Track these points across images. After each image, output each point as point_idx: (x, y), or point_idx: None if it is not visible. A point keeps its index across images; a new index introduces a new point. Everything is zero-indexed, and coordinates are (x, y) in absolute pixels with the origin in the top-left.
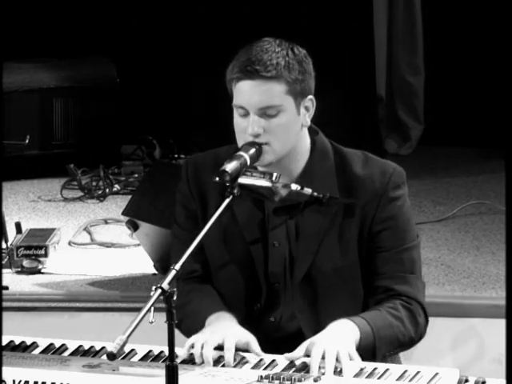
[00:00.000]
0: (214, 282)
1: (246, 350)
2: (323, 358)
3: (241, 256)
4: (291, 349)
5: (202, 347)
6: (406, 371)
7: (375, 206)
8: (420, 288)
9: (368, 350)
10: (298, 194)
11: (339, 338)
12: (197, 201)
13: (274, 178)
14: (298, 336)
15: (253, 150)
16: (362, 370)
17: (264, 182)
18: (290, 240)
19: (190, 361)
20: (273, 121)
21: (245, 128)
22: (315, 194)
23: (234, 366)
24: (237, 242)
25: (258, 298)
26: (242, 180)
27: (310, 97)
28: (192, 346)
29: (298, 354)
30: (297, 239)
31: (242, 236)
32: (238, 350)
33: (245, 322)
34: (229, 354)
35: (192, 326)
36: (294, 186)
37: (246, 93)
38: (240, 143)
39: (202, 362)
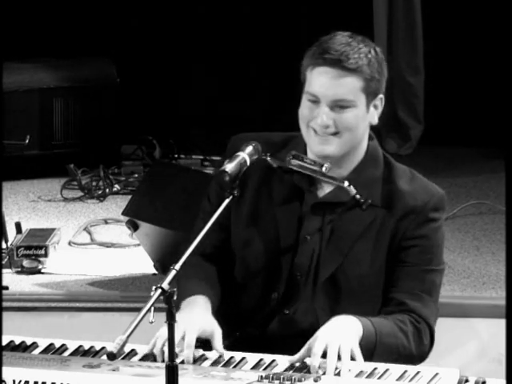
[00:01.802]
0: (236, 261)
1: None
2: (325, 354)
3: (269, 241)
4: (300, 344)
5: (164, 344)
6: (405, 371)
7: (410, 221)
8: (433, 311)
9: (367, 352)
10: (340, 194)
11: (342, 332)
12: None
13: (324, 169)
14: (308, 332)
15: (250, 148)
16: (361, 370)
17: (314, 170)
18: (323, 238)
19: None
20: (343, 114)
21: (311, 116)
22: (358, 196)
23: (234, 366)
24: (268, 227)
25: (277, 287)
26: (293, 162)
27: (381, 96)
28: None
29: (300, 356)
30: (329, 238)
31: (275, 222)
32: (202, 341)
33: (259, 311)
34: (188, 351)
35: (176, 302)
36: (342, 182)
37: (322, 82)
38: (303, 128)
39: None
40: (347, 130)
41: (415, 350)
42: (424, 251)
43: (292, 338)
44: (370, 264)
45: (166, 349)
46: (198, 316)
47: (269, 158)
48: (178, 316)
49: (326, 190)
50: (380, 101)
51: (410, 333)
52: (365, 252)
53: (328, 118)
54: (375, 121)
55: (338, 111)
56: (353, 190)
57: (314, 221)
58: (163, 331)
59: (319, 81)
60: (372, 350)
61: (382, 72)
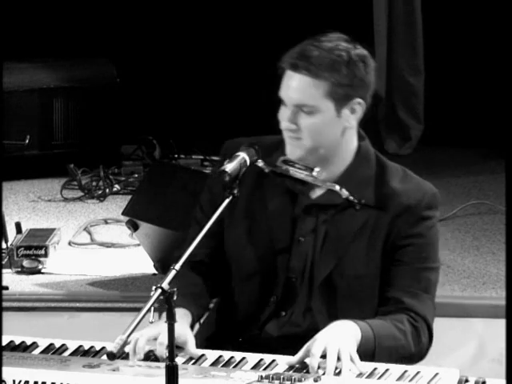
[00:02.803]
0: (233, 267)
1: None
2: (323, 356)
3: (264, 245)
4: (297, 345)
5: (137, 342)
6: (406, 371)
7: (405, 220)
8: (430, 309)
9: (367, 356)
10: (333, 195)
11: (341, 336)
12: None
13: (314, 173)
14: (305, 334)
15: (252, 150)
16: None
17: (304, 176)
18: (317, 240)
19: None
20: (307, 119)
21: (281, 118)
22: (351, 197)
23: (234, 366)
24: (262, 231)
25: (275, 290)
26: (283, 168)
27: (359, 100)
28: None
29: (299, 358)
30: (324, 240)
31: (269, 226)
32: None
33: (259, 315)
34: (160, 348)
35: None
36: (334, 186)
37: (287, 86)
38: (283, 130)
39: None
40: (311, 135)
41: (414, 349)
42: (419, 250)
43: (289, 340)
44: (366, 264)
45: (137, 344)
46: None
47: (260, 164)
48: (150, 325)
49: (318, 191)
50: (358, 105)
51: (408, 332)
52: (360, 253)
53: (291, 122)
54: (351, 124)
55: (302, 116)
56: (345, 193)
57: (308, 223)
58: (146, 331)
59: (285, 84)
60: (372, 353)
61: (358, 76)
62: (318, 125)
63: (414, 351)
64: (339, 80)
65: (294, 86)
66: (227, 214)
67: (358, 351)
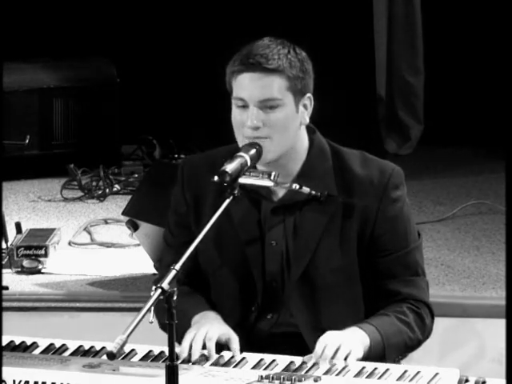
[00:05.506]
0: (210, 284)
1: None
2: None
3: (236, 256)
4: (288, 346)
5: (191, 345)
6: (406, 371)
7: (376, 207)
8: (425, 289)
9: (378, 358)
10: (296, 193)
11: (348, 338)
12: (190, 204)
13: (272, 177)
14: (295, 334)
15: (253, 151)
16: (362, 369)
17: (263, 182)
18: (288, 239)
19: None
20: (272, 114)
21: (243, 122)
22: (313, 192)
23: (234, 366)
24: (232, 243)
25: (255, 298)
26: (241, 180)
27: (309, 95)
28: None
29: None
30: (294, 238)
31: (237, 236)
32: (219, 345)
33: (242, 323)
34: (210, 344)
35: (179, 329)
36: (293, 185)
37: (246, 85)
38: (238, 138)
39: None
40: (278, 131)
41: (421, 335)
42: (398, 234)
43: (281, 337)
44: (341, 256)
45: (193, 350)
46: (216, 324)
47: (216, 179)
48: (194, 327)
49: (280, 193)
50: (309, 100)
51: (412, 322)
52: (333, 245)
53: (257, 120)
54: (306, 121)
55: (268, 112)
56: (306, 189)
57: (276, 226)
58: (185, 337)
59: (244, 85)
60: (382, 355)
61: (307, 71)
62: (283, 120)
63: (421, 337)
64: (296, 74)
65: (257, 84)
66: (196, 235)
67: (369, 357)
